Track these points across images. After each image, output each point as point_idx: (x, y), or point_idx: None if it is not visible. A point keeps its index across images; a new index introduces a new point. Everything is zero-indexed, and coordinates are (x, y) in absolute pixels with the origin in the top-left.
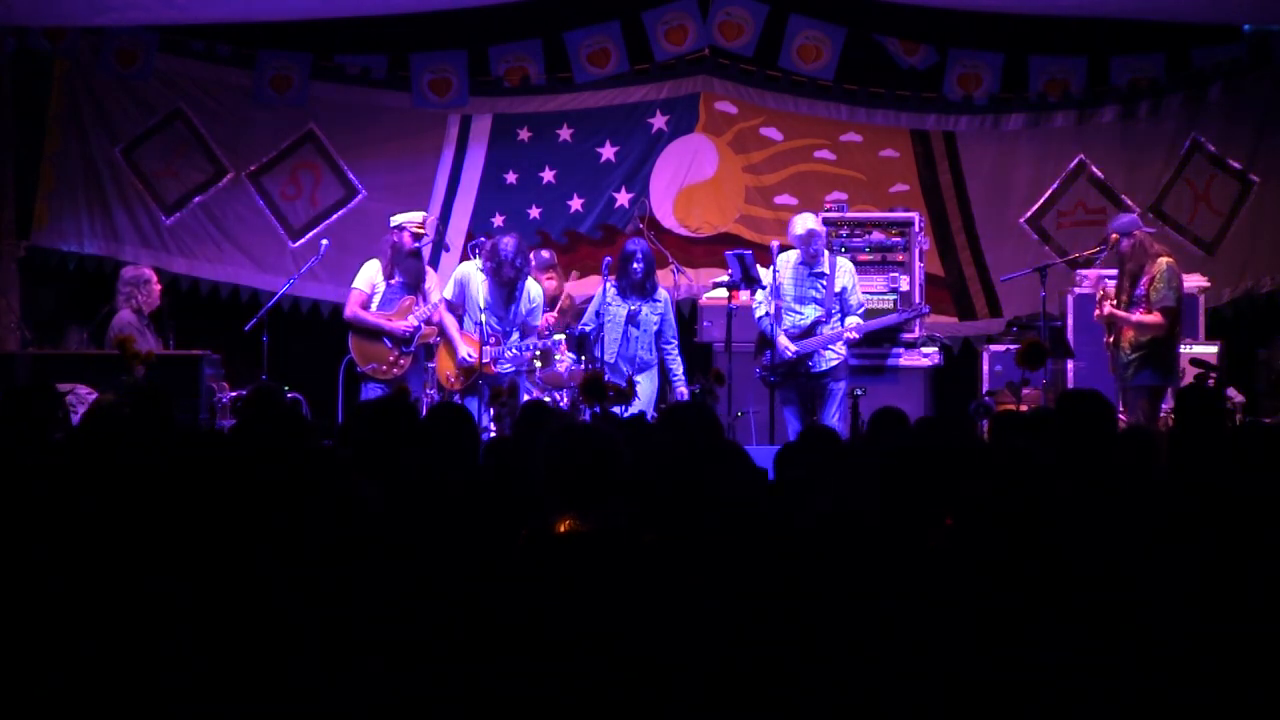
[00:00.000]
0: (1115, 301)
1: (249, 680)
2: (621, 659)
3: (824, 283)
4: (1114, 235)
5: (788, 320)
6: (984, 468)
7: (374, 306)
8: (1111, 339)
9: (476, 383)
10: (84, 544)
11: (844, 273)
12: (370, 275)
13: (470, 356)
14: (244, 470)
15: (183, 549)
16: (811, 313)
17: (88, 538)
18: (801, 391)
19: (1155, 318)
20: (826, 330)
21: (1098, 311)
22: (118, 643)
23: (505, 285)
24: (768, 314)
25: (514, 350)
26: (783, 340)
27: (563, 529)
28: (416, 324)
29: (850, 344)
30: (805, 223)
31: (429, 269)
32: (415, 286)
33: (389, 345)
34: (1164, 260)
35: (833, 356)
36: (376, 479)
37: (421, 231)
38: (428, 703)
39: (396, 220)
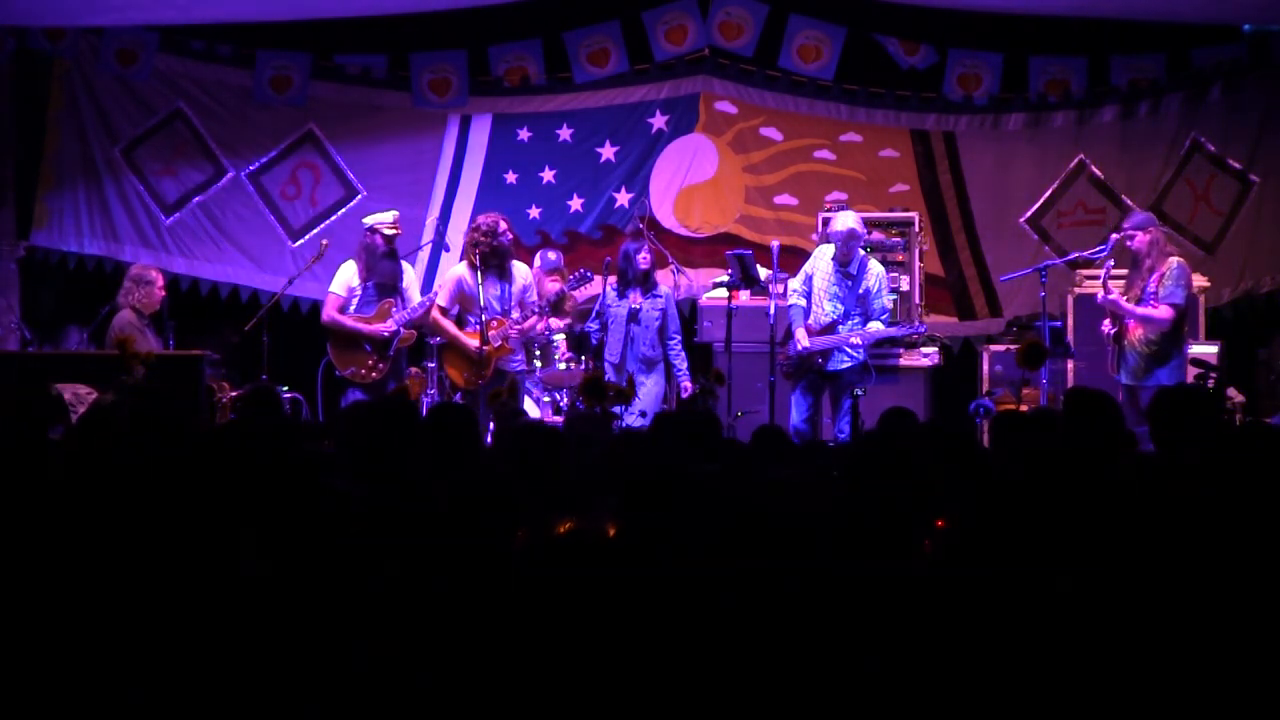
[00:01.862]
0: (1127, 298)
1: (235, 681)
2: (620, 660)
3: (850, 283)
4: (1128, 230)
5: (812, 315)
6: (976, 468)
7: (353, 309)
8: (1114, 331)
9: (502, 374)
10: (78, 543)
11: (872, 275)
12: (346, 279)
13: (482, 347)
14: (233, 470)
15: (171, 549)
16: (832, 310)
17: (81, 537)
18: (814, 383)
19: (1163, 312)
20: (843, 330)
21: (1101, 294)
22: (107, 643)
23: (499, 263)
24: (796, 306)
25: (519, 327)
26: (799, 334)
27: (563, 530)
28: (396, 328)
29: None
30: (847, 221)
31: (406, 267)
32: (392, 288)
33: (368, 349)
34: (1175, 259)
35: (845, 359)
36: (372, 480)
37: (394, 231)
38: (418, 706)
39: (368, 222)
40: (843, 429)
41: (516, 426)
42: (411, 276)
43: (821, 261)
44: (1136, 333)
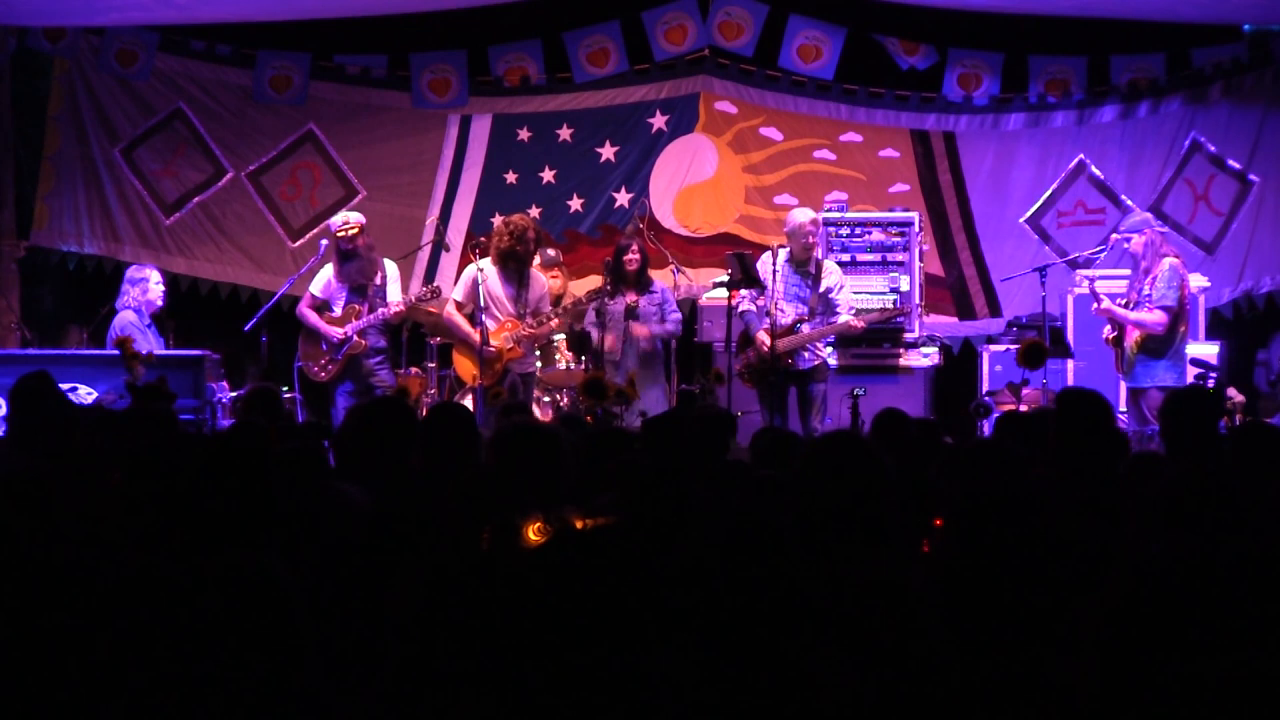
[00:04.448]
0: (1126, 300)
1: (231, 683)
2: (598, 665)
3: (810, 282)
4: (1124, 233)
5: (772, 317)
6: (974, 467)
7: (338, 309)
8: (1114, 335)
9: (507, 373)
10: (77, 543)
11: (830, 273)
12: (324, 279)
13: (491, 345)
14: (231, 467)
15: (167, 548)
16: (794, 311)
17: (81, 537)
18: (776, 394)
19: (1154, 316)
20: (805, 329)
21: (1095, 305)
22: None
23: (517, 266)
24: (750, 311)
25: (531, 332)
26: (760, 337)
27: (532, 530)
28: (346, 335)
29: (843, 344)
30: (805, 215)
31: (387, 264)
32: (363, 289)
33: (324, 348)
34: (1168, 260)
35: (813, 357)
36: (369, 480)
37: (346, 233)
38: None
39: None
40: (815, 426)
41: (507, 427)
42: (392, 272)
43: (776, 265)
44: (1134, 335)
